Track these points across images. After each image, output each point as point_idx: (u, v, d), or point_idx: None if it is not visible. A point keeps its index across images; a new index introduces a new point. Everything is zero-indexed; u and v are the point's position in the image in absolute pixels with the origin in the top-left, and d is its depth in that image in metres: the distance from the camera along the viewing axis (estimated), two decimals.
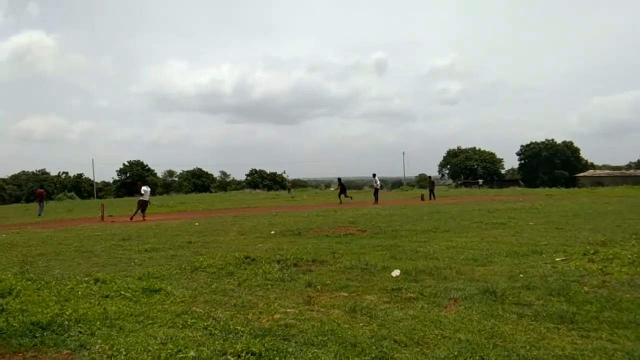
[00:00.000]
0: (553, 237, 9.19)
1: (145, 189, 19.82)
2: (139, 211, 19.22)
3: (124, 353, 3.19)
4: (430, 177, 35.62)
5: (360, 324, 4.04)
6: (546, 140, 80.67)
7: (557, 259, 6.79)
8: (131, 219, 18.54)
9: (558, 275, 5.72)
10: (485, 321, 4.04)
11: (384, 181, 30.17)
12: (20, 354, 3.32)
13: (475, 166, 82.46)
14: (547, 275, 5.68)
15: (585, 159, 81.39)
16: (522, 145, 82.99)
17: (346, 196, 28.06)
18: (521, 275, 5.79)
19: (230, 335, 3.67)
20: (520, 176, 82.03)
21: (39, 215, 23.89)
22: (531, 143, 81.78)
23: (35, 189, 73.15)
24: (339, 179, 29.98)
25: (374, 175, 28.51)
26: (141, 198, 19.52)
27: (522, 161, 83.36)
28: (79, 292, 5.10)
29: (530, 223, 12.06)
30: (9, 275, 5.94)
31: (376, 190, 27.68)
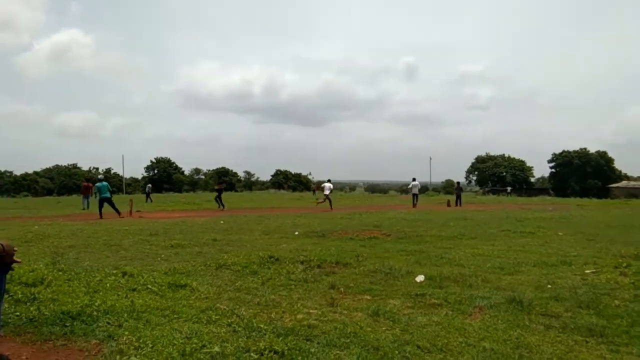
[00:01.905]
0: (583, 249, 8.96)
1: (328, 185, 25.48)
2: (329, 202, 23.96)
3: (150, 345, 3.25)
4: (459, 182, 34.96)
5: (383, 328, 4.02)
6: (579, 149, 78.72)
7: (587, 271, 6.62)
8: (331, 208, 23.21)
9: (588, 287, 5.57)
10: (511, 331, 3.97)
11: (408, 186, 29.84)
12: (51, 342, 3.42)
13: (504, 173, 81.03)
14: (577, 287, 5.54)
15: (619, 169, 79.00)
16: (553, 154, 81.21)
17: (217, 201, 23.86)
18: (549, 286, 5.66)
19: (254, 333, 3.70)
20: (550, 185, 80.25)
21: (87, 208, 24.46)
22: (563, 151, 79.93)
23: (66, 182, 74.78)
24: (219, 176, 26.02)
25: (414, 179, 28.60)
26: (325, 192, 24.86)
27: (554, 170, 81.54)
28: (108, 285, 5.21)
29: (560, 233, 11.78)
30: (41, 266, 6.12)
31: (414, 195, 27.78)
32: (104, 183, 19.65)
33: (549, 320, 4.29)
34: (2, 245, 2.65)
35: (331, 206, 23.57)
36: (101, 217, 17.81)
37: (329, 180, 26.72)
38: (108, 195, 19.17)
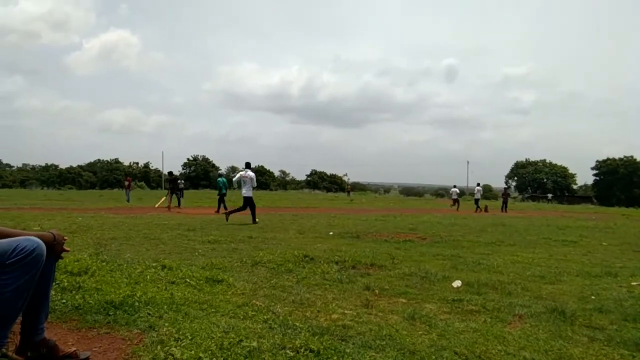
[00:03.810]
0: (629, 260, 8.60)
1: (455, 190, 31.57)
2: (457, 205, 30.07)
3: (190, 338, 3.31)
4: (505, 188, 37.40)
5: (419, 332, 3.96)
6: (624, 156, 75.67)
7: (634, 283, 6.35)
8: (455, 208, 29.30)
9: (634, 300, 5.34)
10: (553, 341, 3.84)
11: (445, 190, 31.50)
12: (95, 330, 3.53)
13: (545, 180, 78.85)
14: (622, 299, 5.32)
15: None
16: (597, 161, 78.38)
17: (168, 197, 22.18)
18: (593, 297, 5.46)
19: (289, 331, 3.72)
20: (593, 193, 77.45)
21: (128, 201, 25.66)
22: (608, 159, 77.01)
23: (108, 177, 77.59)
24: (170, 173, 24.56)
25: (478, 184, 31.04)
26: (453, 197, 31.13)
27: (597, 177, 78.66)
28: (148, 277, 5.34)
29: (604, 243, 11.35)
30: (85, 256, 6.32)
31: (477, 200, 29.66)
32: (222, 179, 20.85)
33: (593, 333, 4.13)
34: (53, 234, 2.75)
35: (457, 208, 28.89)
36: (226, 211, 18.07)
37: (454, 186, 31.86)
38: (223, 191, 20.37)
